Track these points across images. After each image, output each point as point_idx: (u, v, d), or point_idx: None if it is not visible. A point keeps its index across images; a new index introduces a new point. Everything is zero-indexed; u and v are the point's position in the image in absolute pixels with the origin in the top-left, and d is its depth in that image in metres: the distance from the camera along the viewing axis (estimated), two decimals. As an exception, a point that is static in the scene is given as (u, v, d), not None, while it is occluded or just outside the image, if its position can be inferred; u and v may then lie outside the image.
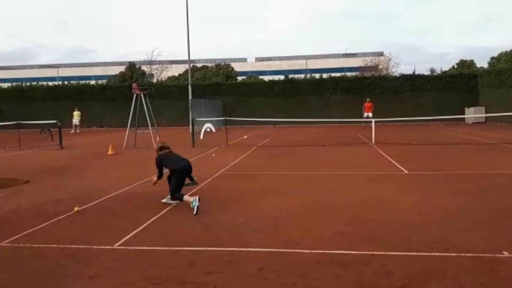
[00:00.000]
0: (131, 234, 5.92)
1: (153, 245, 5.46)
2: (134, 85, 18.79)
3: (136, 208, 7.48)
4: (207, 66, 61.47)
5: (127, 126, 18.47)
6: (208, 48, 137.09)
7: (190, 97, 25.02)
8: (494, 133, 21.46)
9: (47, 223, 6.60)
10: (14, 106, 36.17)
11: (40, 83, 45.80)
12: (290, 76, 39.81)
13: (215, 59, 70.03)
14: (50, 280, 4.46)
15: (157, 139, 16.03)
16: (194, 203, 7.00)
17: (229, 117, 26.60)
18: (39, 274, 4.64)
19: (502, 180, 9.36)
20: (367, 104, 28.99)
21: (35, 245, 5.55)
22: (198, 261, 4.86)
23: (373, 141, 17.73)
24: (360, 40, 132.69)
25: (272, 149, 16.84)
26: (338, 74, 41.56)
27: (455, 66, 59.56)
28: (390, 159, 12.90)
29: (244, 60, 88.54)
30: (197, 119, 22.10)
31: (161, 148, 7.94)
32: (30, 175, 11.12)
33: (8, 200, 8.38)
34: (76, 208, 7.32)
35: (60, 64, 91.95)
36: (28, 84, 42.71)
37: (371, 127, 18.85)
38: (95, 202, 7.99)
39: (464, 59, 61.36)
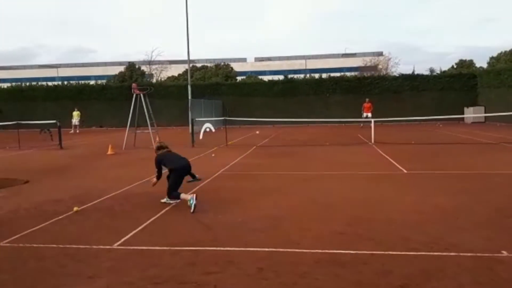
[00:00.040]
0: (131, 234, 5.92)
1: (153, 245, 5.46)
2: (133, 85, 18.79)
3: (135, 208, 7.48)
4: (207, 66, 61.46)
5: (126, 126, 18.47)
6: (208, 48, 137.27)
7: (189, 97, 25.03)
8: (493, 133, 21.48)
9: (47, 223, 6.61)
10: (14, 106, 36.18)
11: (39, 83, 45.81)
12: (290, 76, 39.85)
13: (214, 59, 70.04)
14: (49, 280, 4.47)
15: (157, 139, 16.03)
16: (191, 201, 7.06)
17: (229, 117, 26.60)
18: (38, 274, 4.64)
19: (501, 179, 9.38)
20: (366, 105, 29.01)
21: (35, 245, 5.55)
22: (198, 261, 4.87)
23: (373, 141, 17.74)
24: (359, 40, 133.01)
25: (271, 149, 16.85)
26: (338, 74, 41.56)
27: (455, 66, 59.55)
28: (389, 158, 12.91)
29: (243, 60, 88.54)
30: (197, 119, 22.09)
31: (159, 148, 7.96)
32: (30, 175, 11.12)
33: (8, 200, 8.38)
34: (75, 208, 7.33)
35: (60, 64, 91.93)
36: (27, 84, 42.71)
37: (370, 127, 18.87)
38: (95, 202, 8.00)
39: (464, 59, 61.43)
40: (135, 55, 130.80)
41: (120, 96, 35.17)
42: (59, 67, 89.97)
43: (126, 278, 4.43)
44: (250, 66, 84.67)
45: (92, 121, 36.15)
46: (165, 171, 7.78)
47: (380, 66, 57.82)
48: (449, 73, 39.70)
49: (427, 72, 40.18)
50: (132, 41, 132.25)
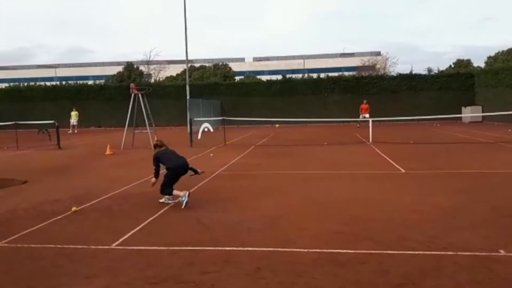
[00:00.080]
0: (129, 234, 5.92)
1: (151, 245, 5.46)
2: (132, 85, 18.77)
3: (134, 208, 7.48)
4: (205, 66, 61.33)
5: (125, 126, 18.45)
6: (207, 48, 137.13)
7: (188, 97, 25.05)
8: (491, 132, 21.52)
9: (45, 223, 6.60)
10: (12, 106, 36.12)
11: (37, 83, 45.72)
12: (288, 76, 39.81)
13: (212, 59, 69.96)
14: (47, 281, 4.46)
15: (155, 139, 16.04)
16: (183, 198, 7.20)
17: (227, 117, 26.60)
18: (36, 274, 4.64)
19: (499, 179, 9.40)
20: (364, 106, 29.00)
21: (33, 245, 5.55)
22: (196, 260, 4.87)
23: (371, 140, 17.76)
24: (358, 40, 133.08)
25: (269, 149, 16.86)
26: (336, 74, 41.56)
27: (452, 66, 59.59)
28: (387, 158, 12.93)
29: (242, 60, 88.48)
30: (195, 119, 22.09)
31: (156, 146, 7.98)
32: (28, 175, 11.10)
33: (6, 200, 8.38)
34: (73, 208, 7.33)
35: (58, 64, 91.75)
36: (25, 84, 42.65)
37: (368, 127, 18.89)
38: (93, 202, 7.99)
39: (461, 58, 61.47)
40: (134, 55, 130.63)
41: (118, 96, 35.11)
42: (57, 67, 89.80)
43: (124, 278, 4.43)
44: (248, 66, 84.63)
45: (90, 121, 36.11)
46: (163, 171, 7.77)
47: (378, 66, 57.87)
48: (446, 73, 39.75)
49: (424, 72, 40.28)
50: (131, 41, 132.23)
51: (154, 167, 7.73)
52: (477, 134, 20.98)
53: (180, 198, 7.28)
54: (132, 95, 17.85)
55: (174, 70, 60.69)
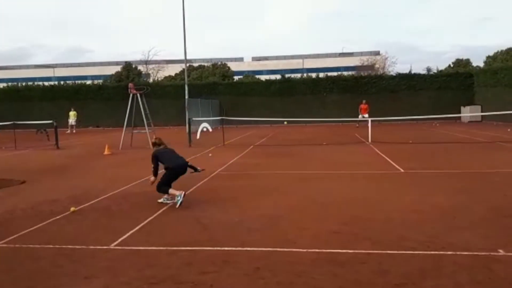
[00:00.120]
0: (128, 234, 5.91)
1: (150, 245, 5.45)
2: (130, 85, 18.76)
3: (132, 208, 7.47)
4: (204, 66, 61.38)
5: (123, 126, 18.43)
6: (206, 48, 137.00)
7: (186, 97, 25.02)
8: (490, 132, 21.54)
9: (44, 223, 6.59)
10: (10, 106, 36.04)
11: (36, 83, 45.66)
12: (287, 75, 39.79)
13: (211, 59, 69.97)
14: (47, 280, 4.45)
15: (153, 136, 16.03)
16: (179, 198, 7.22)
17: (226, 116, 26.59)
18: (35, 274, 4.63)
19: (498, 178, 9.40)
20: (363, 106, 29.00)
21: (31, 246, 5.53)
22: (195, 260, 4.86)
23: (370, 140, 17.76)
24: (357, 40, 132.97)
25: (268, 149, 16.85)
26: (335, 74, 41.58)
27: (451, 65, 59.69)
28: (386, 158, 12.93)
29: (240, 59, 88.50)
30: (194, 118, 22.08)
31: (154, 144, 7.96)
32: (26, 175, 11.08)
33: (4, 201, 8.36)
34: (72, 208, 7.31)
35: (56, 64, 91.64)
36: (24, 84, 42.56)
37: (367, 126, 18.89)
38: (92, 202, 7.98)
39: (460, 58, 61.58)
40: (132, 55, 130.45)
41: (116, 96, 35.06)
42: (56, 67, 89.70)
43: (123, 278, 4.42)
44: (247, 65, 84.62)
45: (89, 121, 36.05)
46: (161, 171, 7.75)
47: (377, 66, 57.91)
48: (445, 72, 39.81)
49: (424, 71, 40.34)
50: (131, 41, 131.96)
51: (152, 166, 7.70)
52: (476, 133, 21.00)
53: (175, 198, 7.30)
54: (131, 95, 17.83)
55: (172, 70, 60.69)
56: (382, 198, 7.75)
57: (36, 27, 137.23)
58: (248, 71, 69.04)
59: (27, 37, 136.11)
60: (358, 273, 4.40)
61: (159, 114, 30.62)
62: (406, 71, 38.34)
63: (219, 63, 60.39)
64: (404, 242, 5.27)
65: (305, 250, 5.08)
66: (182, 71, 41.83)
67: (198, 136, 21.17)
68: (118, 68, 56.83)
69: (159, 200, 7.72)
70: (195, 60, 70.09)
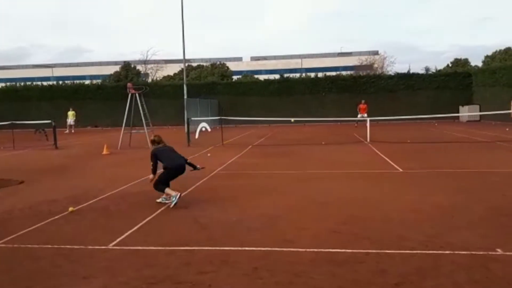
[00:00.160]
0: (126, 234, 5.91)
1: (148, 245, 5.45)
2: (129, 84, 18.75)
3: (131, 208, 7.46)
4: (202, 66, 61.33)
5: (122, 126, 18.42)
6: (206, 48, 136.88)
7: (185, 97, 24.99)
8: (488, 131, 21.57)
9: (42, 223, 6.58)
10: (8, 106, 35.96)
11: (34, 83, 45.54)
12: (286, 75, 39.80)
13: (210, 59, 69.92)
14: (46, 280, 4.45)
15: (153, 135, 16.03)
16: (173, 199, 7.23)
17: (225, 116, 26.58)
18: (34, 274, 4.62)
19: (497, 178, 9.41)
20: (362, 106, 29.01)
21: (30, 246, 5.53)
22: (193, 260, 4.86)
23: (368, 139, 17.78)
24: (357, 40, 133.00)
25: (267, 148, 16.85)
26: (333, 73, 41.57)
27: (450, 65, 59.74)
28: (385, 157, 12.94)
29: (239, 59, 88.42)
30: (192, 118, 22.07)
31: (154, 142, 7.93)
32: (25, 176, 11.07)
33: (3, 201, 8.34)
34: (70, 208, 7.30)
35: (55, 64, 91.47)
36: (22, 84, 42.47)
37: (366, 126, 18.90)
38: (90, 202, 7.97)
39: (459, 57, 61.62)
40: (131, 55, 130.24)
41: (115, 95, 34.99)
42: (54, 66, 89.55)
43: (121, 278, 4.42)
44: (246, 65, 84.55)
45: (87, 121, 35.99)
46: (160, 170, 7.75)
47: (375, 65, 57.95)
48: (444, 72, 39.87)
49: (422, 71, 40.35)
50: (131, 41, 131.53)
51: (151, 163, 7.67)
52: (474, 133, 21.03)
53: (171, 198, 7.31)
54: (129, 94, 17.82)
55: (171, 70, 60.61)
56: (381, 198, 7.76)
57: (36, 27, 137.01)
58: (247, 71, 68.95)
59: (26, 37, 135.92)
60: (357, 272, 4.41)
61: (158, 114, 30.59)
62: (405, 70, 38.34)
63: (218, 63, 60.36)
64: (403, 242, 5.27)
65: (304, 250, 5.08)
66: (181, 71, 41.76)
67: (197, 136, 21.16)
68: (117, 68, 56.77)
69: (158, 200, 7.71)
70: (194, 60, 70.04)
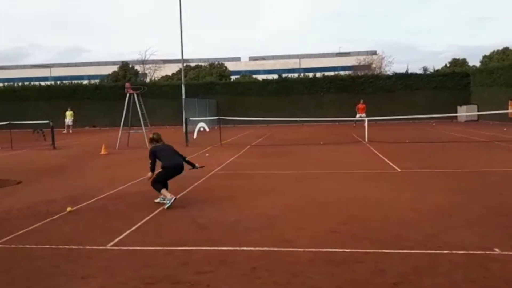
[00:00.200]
0: (124, 234, 5.90)
1: (146, 245, 5.44)
2: (127, 84, 18.73)
3: (129, 208, 7.46)
4: (201, 66, 61.33)
5: (120, 126, 18.40)
6: (204, 48, 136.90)
7: (183, 97, 24.97)
8: (486, 131, 21.61)
9: (40, 223, 6.57)
10: (6, 106, 35.89)
11: (32, 83, 45.42)
12: (284, 75, 39.83)
13: (208, 59, 69.89)
14: (44, 281, 4.44)
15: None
16: (168, 202, 7.22)
17: (223, 116, 26.57)
18: (32, 274, 4.61)
19: (495, 178, 9.43)
20: (361, 106, 29.04)
21: (28, 246, 5.52)
22: (191, 260, 4.86)
23: (366, 139, 17.79)
24: (355, 39, 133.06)
25: (265, 148, 16.85)
26: (332, 73, 41.61)
27: (448, 65, 59.84)
28: (383, 157, 12.95)
29: (237, 59, 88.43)
30: (191, 118, 22.05)
31: (152, 140, 7.93)
32: (23, 176, 11.05)
33: (1, 201, 8.32)
34: (68, 209, 7.29)
35: (53, 64, 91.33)
36: (20, 84, 42.41)
37: (364, 126, 18.92)
38: (88, 202, 7.96)
39: (457, 57, 61.73)
40: (129, 55, 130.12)
41: (113, 95, 34.96)
42: (52, 66, 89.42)
43: (120, 278, 4.41)
44: (244, 65, 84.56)
45: (85, 121, 35.96)
46: (158, 170, 7.74)
47: (373, 65, 57.97)
48: (442, 72, 39.91)
49: (420, 71, 40.31)
50: (130, 41, 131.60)
51: (150, 161, 7.65)
52: (472, 133, 21.07)
53: (165, 200, 7.30)
54: (127, 94, 17.81)
55: (169, 70, 60.52)
56: (379, 198, 7.77)
57: (36, 27, 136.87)
58: (245, 71, 68.99)
59: (26, 36, 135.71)
60: (355, 272, 4.41)
61: (156, 114, 30.57)
62: (403, 70, 38.41)
63: (216, 63, 60.37)
64: (401, 241, 5.28)
65: (302, 250, 5.08)
66: (179, 71, 41.75)
67: (195, 136, 21.14)
68: (115, 68, 56.73)
69: (156, 200, 7.70)
70: (192, 60, 70.03)
